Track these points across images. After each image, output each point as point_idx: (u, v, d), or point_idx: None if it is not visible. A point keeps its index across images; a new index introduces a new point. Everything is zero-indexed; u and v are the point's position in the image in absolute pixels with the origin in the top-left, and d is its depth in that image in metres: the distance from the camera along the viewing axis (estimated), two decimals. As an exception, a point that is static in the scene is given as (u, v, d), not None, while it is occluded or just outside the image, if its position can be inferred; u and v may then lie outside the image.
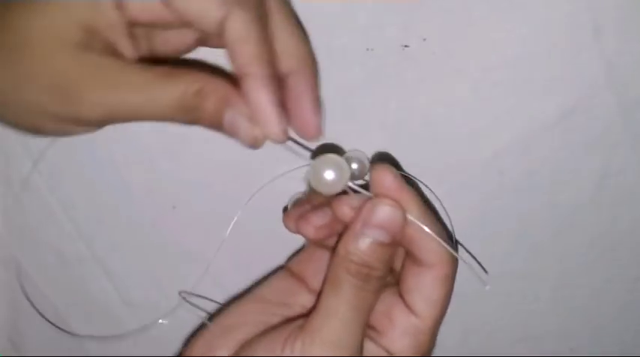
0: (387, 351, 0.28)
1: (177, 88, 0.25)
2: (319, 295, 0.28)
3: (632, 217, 0.35)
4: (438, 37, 0.32)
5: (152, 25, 0.27)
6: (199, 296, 0.36)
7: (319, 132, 0.28)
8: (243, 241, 0.36)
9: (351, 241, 0.27)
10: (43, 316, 0.37)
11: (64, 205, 0.36)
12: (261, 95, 0.25)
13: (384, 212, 0.27)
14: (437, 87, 0.33)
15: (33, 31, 0.25)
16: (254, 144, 0.26)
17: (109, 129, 0.34)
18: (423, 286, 0.28)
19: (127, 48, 0.26)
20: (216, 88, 0.26)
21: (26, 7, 0.25)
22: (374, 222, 0.27)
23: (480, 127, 0.33)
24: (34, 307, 0.37)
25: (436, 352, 0.38)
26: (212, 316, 0.33)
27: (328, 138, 0.34)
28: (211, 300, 0.36)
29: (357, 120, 0.34)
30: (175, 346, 0.38)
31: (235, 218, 0.35)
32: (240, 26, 0.25)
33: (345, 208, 0.28)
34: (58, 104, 0.25)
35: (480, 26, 0.32)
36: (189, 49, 0.29)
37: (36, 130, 0.27)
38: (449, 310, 0.38)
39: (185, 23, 0.26)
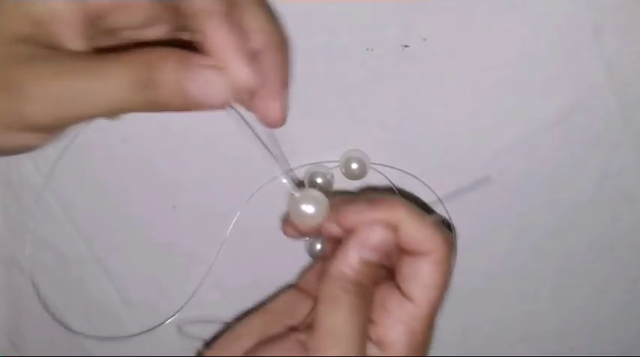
0: (380, 342, 0.27)
1: (126, 64, 0.23)
2: (316, 313, 0.27)
3: (632, 217, 0.35)
4: (438, 37, 0.32)
5: (115, 19, 0.25)
6: (197, 321, 0.36)
7: (281, 118, 0.27)
8: (243, 241, 0.36)
9: (344, 263, 0.27)
10: (49, 312, 0.37)
11: (64, 205, 0.36)
12: (220, 33, 0.23)
13: (376, 235, 0.27)
14: (437, 87, 0.33)
15: None
16: (225, 102, 0.24)
17: (108, 129, 0.34)
18: (419, 273, 0.27)
19: (77, 42, 0.24)
20: (170, 54, 0.23)
21: None
22: (367, 245, 0.27)
23: (479, 127, 0.33)
24: (42, 305, 0.37)
25: (436, 351, 0.38)
26: (208, 343, 0.33)
27: (328, 138, 0.34)
28: (208, 321, 0.36)
29: (357, 120, 0.34)
30: (175, 346, 0.38)
31: (235, 218, 0.35)
32: None
33: (334, 228, 0.28)
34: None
35: (480, 26, 0.32)
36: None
37: None
38: (449, 310, 0.38)
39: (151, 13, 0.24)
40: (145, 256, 0.37)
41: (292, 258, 0.36)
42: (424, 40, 0.32)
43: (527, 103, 0.33)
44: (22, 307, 0.38)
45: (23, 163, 0.35)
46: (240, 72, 0.23)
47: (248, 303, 0.37)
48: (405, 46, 0.32)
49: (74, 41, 0.24)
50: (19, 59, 0.23)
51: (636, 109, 0.33)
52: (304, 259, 0.36)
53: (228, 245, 0.36)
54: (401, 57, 0.32)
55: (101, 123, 0.34)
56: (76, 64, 0.23)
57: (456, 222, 0.35)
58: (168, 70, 0.23)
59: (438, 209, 0.35)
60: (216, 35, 0.23)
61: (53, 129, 0.25)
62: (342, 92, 0.33)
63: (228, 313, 0.37)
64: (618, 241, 0.36)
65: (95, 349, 0.38)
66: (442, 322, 0.38)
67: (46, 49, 0.23)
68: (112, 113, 0.24)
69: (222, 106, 0.24)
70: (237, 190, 0.35)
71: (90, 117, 0.24)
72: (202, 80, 0.23)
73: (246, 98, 0.25)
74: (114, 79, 0.23)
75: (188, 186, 0.35)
